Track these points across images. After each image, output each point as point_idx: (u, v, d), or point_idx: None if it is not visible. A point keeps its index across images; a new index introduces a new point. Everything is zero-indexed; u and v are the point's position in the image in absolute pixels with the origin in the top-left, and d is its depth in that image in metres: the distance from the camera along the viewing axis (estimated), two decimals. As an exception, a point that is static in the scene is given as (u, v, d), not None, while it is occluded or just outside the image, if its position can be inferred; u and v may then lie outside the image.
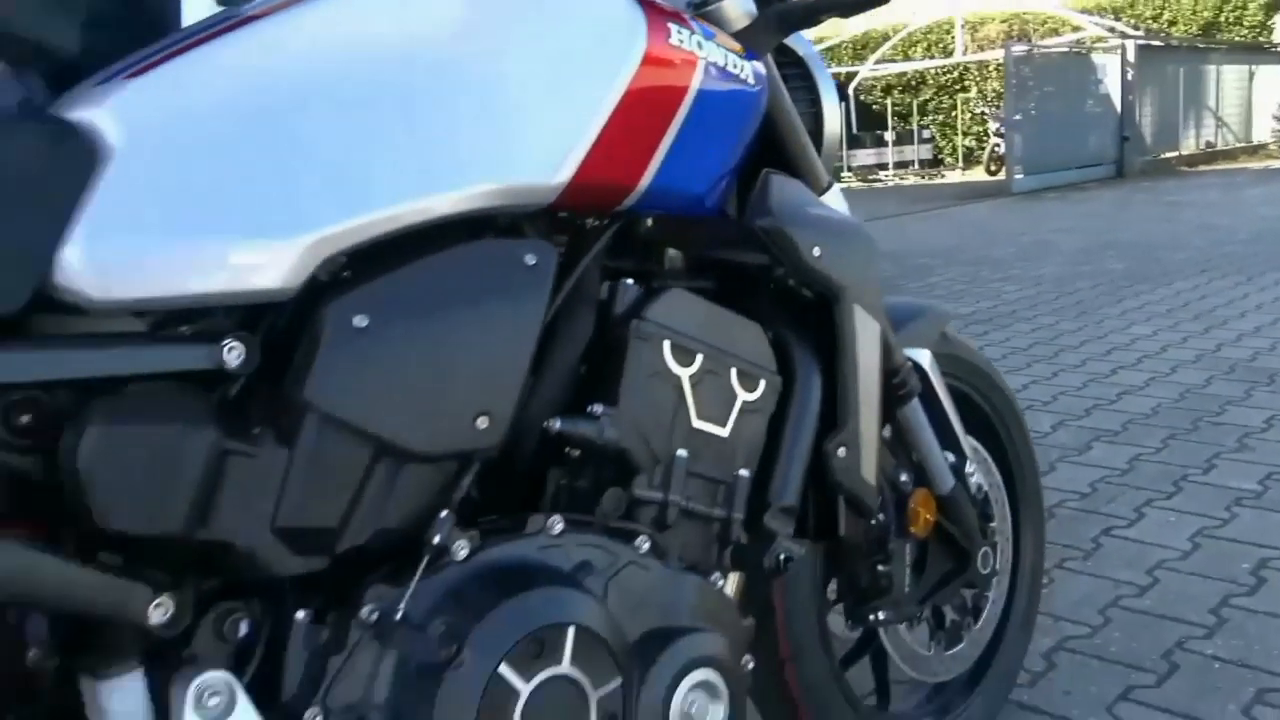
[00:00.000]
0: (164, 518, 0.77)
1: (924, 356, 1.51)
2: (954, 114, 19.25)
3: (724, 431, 1.05)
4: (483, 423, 0.90)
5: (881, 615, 1.46)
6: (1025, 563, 1.80)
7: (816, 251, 1.12)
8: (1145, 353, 4.35)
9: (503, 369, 0.91)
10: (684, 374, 1.02)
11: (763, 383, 1.09)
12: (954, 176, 17.47)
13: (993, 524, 1.67)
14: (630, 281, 1.03)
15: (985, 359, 1.76)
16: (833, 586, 1.50)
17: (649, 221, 1.11)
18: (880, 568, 1.45)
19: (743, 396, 1.07)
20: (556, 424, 0.95)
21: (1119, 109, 14.06)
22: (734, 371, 1.07)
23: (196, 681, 0.78)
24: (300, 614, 0.85)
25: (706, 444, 1.04)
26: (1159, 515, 2.66)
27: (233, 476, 0.81)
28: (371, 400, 0.85)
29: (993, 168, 15.75)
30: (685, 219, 1.12)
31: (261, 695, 0.81)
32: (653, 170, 1.00)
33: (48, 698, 0.81)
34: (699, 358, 1.03)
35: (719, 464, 1.05)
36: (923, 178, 17.60)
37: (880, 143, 18.59)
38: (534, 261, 0.94)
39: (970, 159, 18.55)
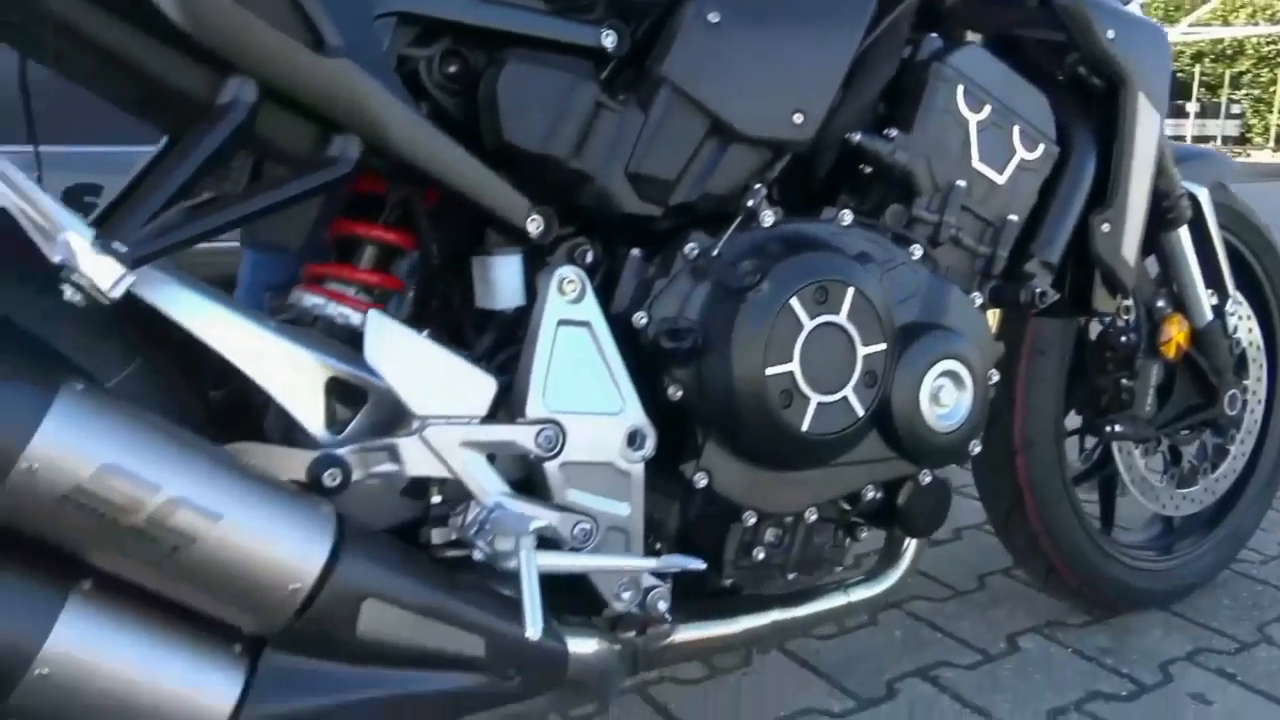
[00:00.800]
0: (551, 142, 1.00)
1: (1201, 192, 1.56)
2: (1272, 89, 17.55)
3: (1000, 179, 1.18)
4: (798, 118, 1.08)
5: (1119, 428, 1.55)
6: (1274, 430, 1.81)
7: (1111, 34, 1.22)
8: None
9: (820, 77, 1.09)
10: (972, 119, 1.16)
11: (1041, 146, 1.21)
12: (1262, 156, 16.00)
13: (1246, 381, 1.70)
14: (935, 35, 1.18)
15: (1264, 222, 1.77)
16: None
17: (956, -6, 1.24)
18: (1124, 382, 1.53)
19: (1021, 153, 1.20)
20: (856, 137, 1.11)
21: None
22: (1017, 129, 1.19)
23: (559, 271, 1.00)
24: (634, 251, 1.07)
25: (982, 185, 1.18)
26: None
27: (601, 125, 1.02)
28: (714, 82, 1.05)
29: (1310, 149, 14.33)
30: (988, -1, 1.25)
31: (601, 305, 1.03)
32: (968, -67, 1.14)
33: (443, 276, 1.07)
34: (987, 108, 1.17)
35: (990, 206, 1.19)
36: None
37: (1180, 114, 17.25)
38: (857, -8, 1.10)
39: (1284, 140, 16.93)
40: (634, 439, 1.03)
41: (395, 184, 1.03)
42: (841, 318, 1.04)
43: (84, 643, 0.77)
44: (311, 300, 1.03)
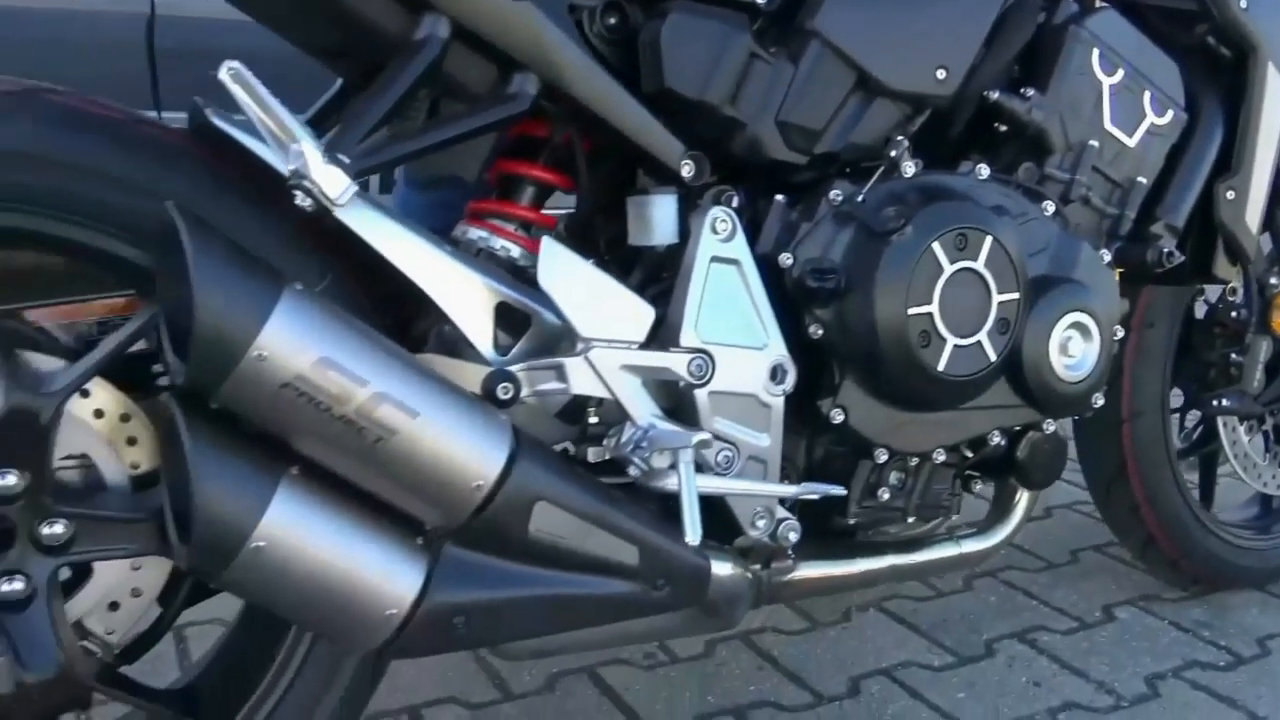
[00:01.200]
0: (708, 89, 1.06)
1: (1321, 168, 1.58)
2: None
3: (1130, 142, 1.22)
4: (941, 74, 1.13)
5: (1225, 403, 1.56)
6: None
7: (1244, 3, 1.25)
8: None
9: (964, 35, 1.14)
10: (1105, 81, 1.20)
11: (1171, 113, 1.25)
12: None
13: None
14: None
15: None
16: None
17: (1089, -34, 1.28)
18: (1233, 357, 1.56)
19: (1151, 118, 1.23)
20: (995, 95, 1.16)
21: None
22: (1148, 95, 1.23)
23: (711, 211, 1.06)
24: (779, 196, 1.13)
25: (1113, 146, 1.22)
26: None
27: (754, 75, 1.08)
28: (862, 37, 1.10)
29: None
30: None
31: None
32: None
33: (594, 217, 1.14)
34: (1120, 72, 1.21)
35: (1120, 167, 1.23)
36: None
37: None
38: (1000, -43, 1.15)
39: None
40: (776, 373, 1.08)
41: (558, 126, 1.10)
42: (979, 264, 1.08)
43: (294, 522, 0.85)
44: (476, 234, 1.10)
